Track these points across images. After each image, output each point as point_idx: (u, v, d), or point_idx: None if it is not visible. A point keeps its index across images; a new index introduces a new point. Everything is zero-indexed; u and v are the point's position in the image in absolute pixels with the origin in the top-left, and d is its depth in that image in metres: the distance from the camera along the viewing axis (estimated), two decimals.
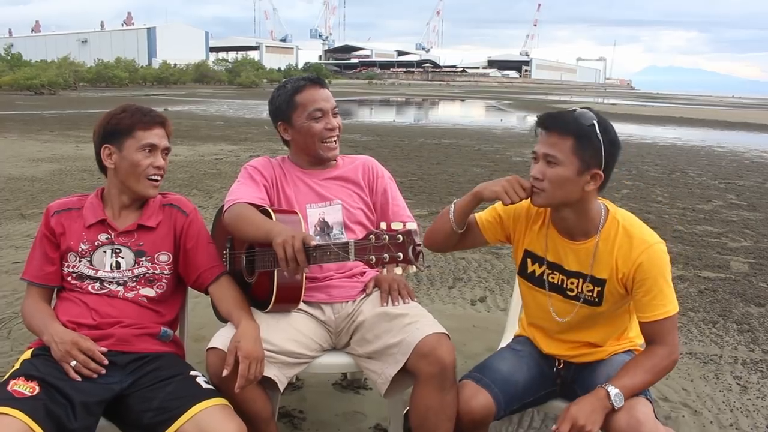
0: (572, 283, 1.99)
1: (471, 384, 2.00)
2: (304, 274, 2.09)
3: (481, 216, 2.17)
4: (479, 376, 2.03)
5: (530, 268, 2.08)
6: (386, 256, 1.72)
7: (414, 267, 1.73)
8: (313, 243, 1.86)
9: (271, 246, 1.92)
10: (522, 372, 2.08)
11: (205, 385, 1.90)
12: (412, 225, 1.76)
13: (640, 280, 1.86)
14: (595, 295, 1.95)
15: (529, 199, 1.93)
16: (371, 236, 1.74)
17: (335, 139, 2.32)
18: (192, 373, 1.95)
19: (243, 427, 1.80)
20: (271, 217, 2.09)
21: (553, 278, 2.03)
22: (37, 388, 1.75)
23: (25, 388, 1.74)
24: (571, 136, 1.81)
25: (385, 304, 2.19)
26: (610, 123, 1.88)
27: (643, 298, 1.87)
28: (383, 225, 1.75)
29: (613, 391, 1.79)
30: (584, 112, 1.84)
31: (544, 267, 2.04)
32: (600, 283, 1.93)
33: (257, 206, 2.16)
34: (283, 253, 1.86)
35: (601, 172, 1.84)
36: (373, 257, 1.74)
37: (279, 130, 2.37)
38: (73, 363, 1.83)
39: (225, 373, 1.88)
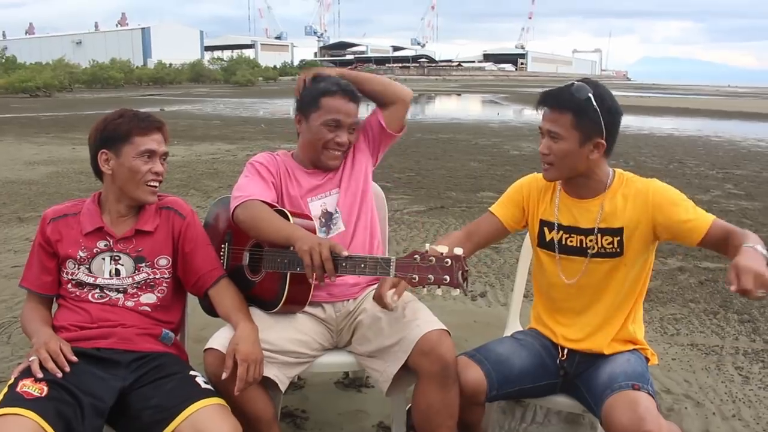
0: (591, 241, 2.04)
1: (463, 359, 2.06)
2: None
3: (496, 208, 2.24)
4: (473, 353, 2.09)
5: (548, 237, 2.13)
6: (431, 277, 1.71)
7: (458, 290, 1.72)
8: (344, 253, 1.83)
9: (283, 247, 1.90)
10: (520, 357, 2.10)
11: (203, 385, 1.89)
12: (459, 250, 1.73)
13: (668, 210, 1.94)
14: (615, 245, 2.01)
15: (541, 173, 2.07)
16: (416, 256, 1.72)
17: (340, 153, 2.28)
18: (191, 372, 1.95)
19: (238, 427, 1.79)
20: (287, 219, 2.06)
21: (571, 241, 2.08)
22: (46, 389, 1.74)
23: (34, 389, 1.73)
24: (570, 111, 1.93)
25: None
26: (608, 91, 1.97)
27: (684, 218, 1.92)
28: (427, 246, 1.74)
29: (760, 247, 1.69)
30: (581, 86, 1.93)
31: (561, 233, 2.09)
32: (617, 232, 2.00)
33: (270, 205, 2.13)
34: (310, 261, 1.83)
35: (603, 140, 1.95)
36: (416, 276, 1.72)
37: (295, 120, 2.33)
38: (32, 357, 1.82)
39: (224, 376, 1.88)
